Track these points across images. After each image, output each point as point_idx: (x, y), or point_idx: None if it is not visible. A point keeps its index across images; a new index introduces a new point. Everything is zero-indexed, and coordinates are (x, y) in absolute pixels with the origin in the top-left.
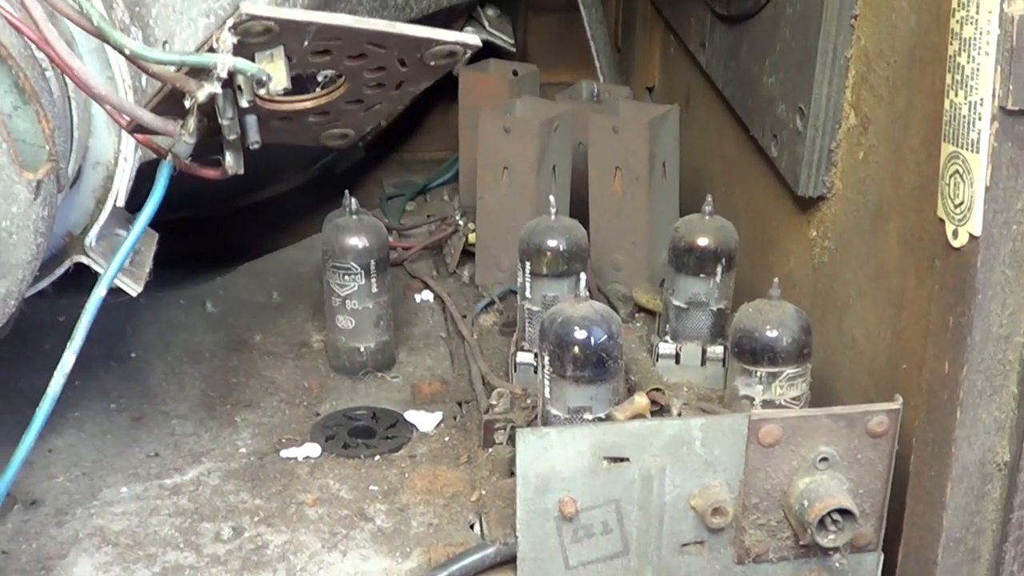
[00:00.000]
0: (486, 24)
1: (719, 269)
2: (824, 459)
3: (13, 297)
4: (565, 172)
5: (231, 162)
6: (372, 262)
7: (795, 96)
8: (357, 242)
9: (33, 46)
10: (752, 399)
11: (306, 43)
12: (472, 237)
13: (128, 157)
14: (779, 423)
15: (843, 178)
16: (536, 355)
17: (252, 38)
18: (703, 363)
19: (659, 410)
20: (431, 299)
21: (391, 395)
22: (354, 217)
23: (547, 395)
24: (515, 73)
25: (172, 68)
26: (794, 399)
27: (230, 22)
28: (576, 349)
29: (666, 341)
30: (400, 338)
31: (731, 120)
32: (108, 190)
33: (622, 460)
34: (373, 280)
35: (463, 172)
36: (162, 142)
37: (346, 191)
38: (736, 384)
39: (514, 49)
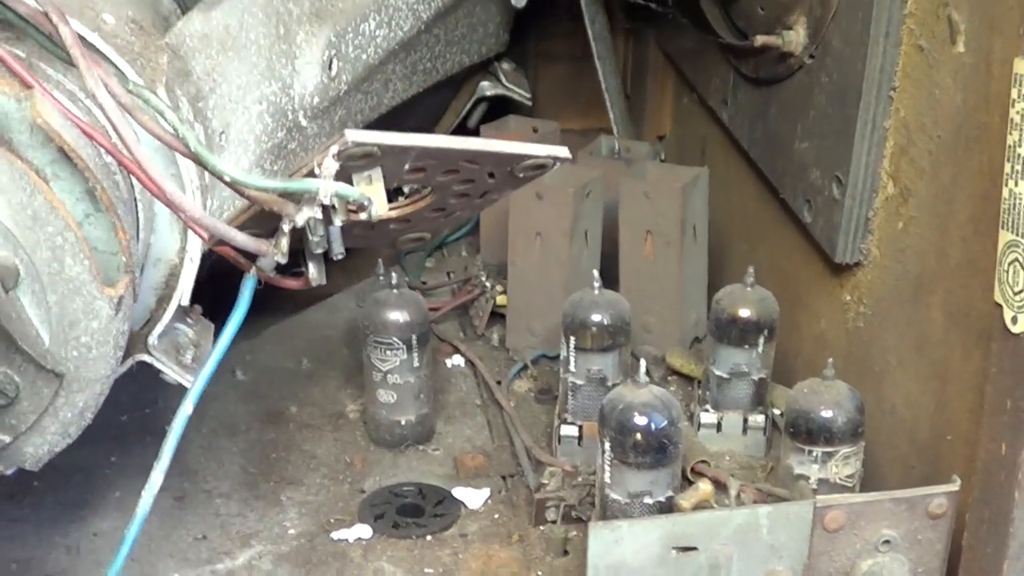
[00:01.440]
0: (502, 79)
1: (761, 340)
2: (886, 541)
3: (90, 410)
4: (596, 237)
5: (314, 273)
6: (414, 337)
7: (832, 164)
8: (399, 317)
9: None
10: (807, 478)
11: (407, 166)
12: (500, 299)
13: (195, 257)
14: (844, 509)
15: (880, 246)
16: (579, 427)
17: (352, 162)
18: (744, 431)
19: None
20: (462, 363)
21: (434, 469)
22: (395, 291)
23: (607, 479)
24: (535, 130)
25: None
26: (848, 476)
27: (334, 149)
28: (638, 436)
29: (707, 410)
30: (435, 406)
31: (752, 176)
32: (171, 288)
33: (691, 549)
34: (415, 355)
35: (485, 230)
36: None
37: (379, 260)
38: (790, 462)
39: (530, 103)
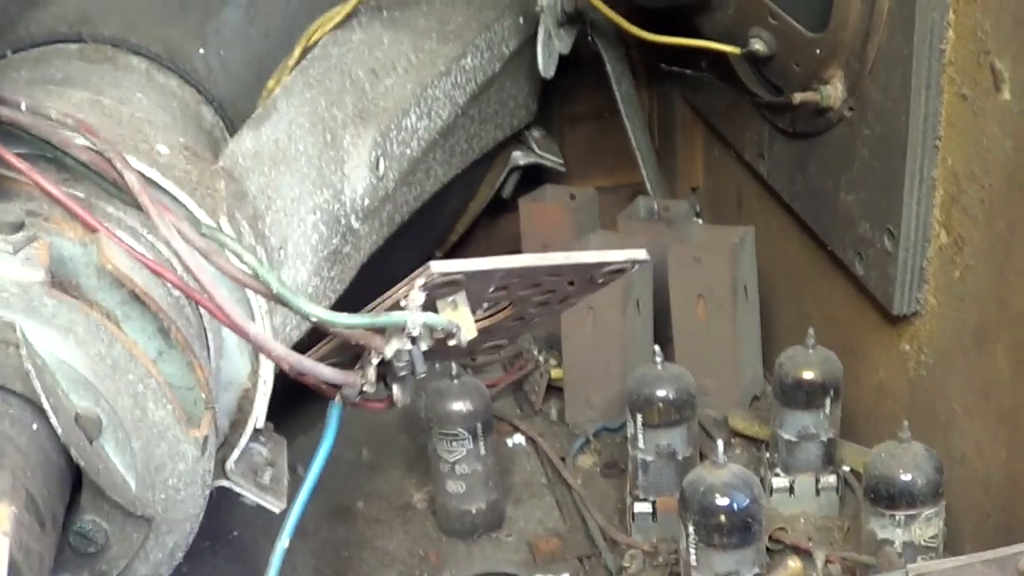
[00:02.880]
0: (534, 147)
1: (827, 401)
2: None
3: (181, 550)
4: (647, 305)
5: (399, 395)
6: (479, 425)
7: (881, 216)
8: (462, 407)
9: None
10: (892, 542)
11: (492, 289)
12: (555, 372)
13: (268, 380)
14: (936, 575)
15: (937, 295)
16: (653, 503)
17: (437, 290)
18: (817, 493)
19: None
20: (523, 442)
21: (508, 555)
22: (455, 381)
23: (693, 562)
24: (572, 197)
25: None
26: (932, 537)
27: (420, 281)
28: (722, 517)
29: (778, 474)
30: (503, 490)
31: (795, 227)
32: (244, 412)
33: None
34: (481, 443)
35: None
36: None
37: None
38: (873, 527)
39: (563, 168)
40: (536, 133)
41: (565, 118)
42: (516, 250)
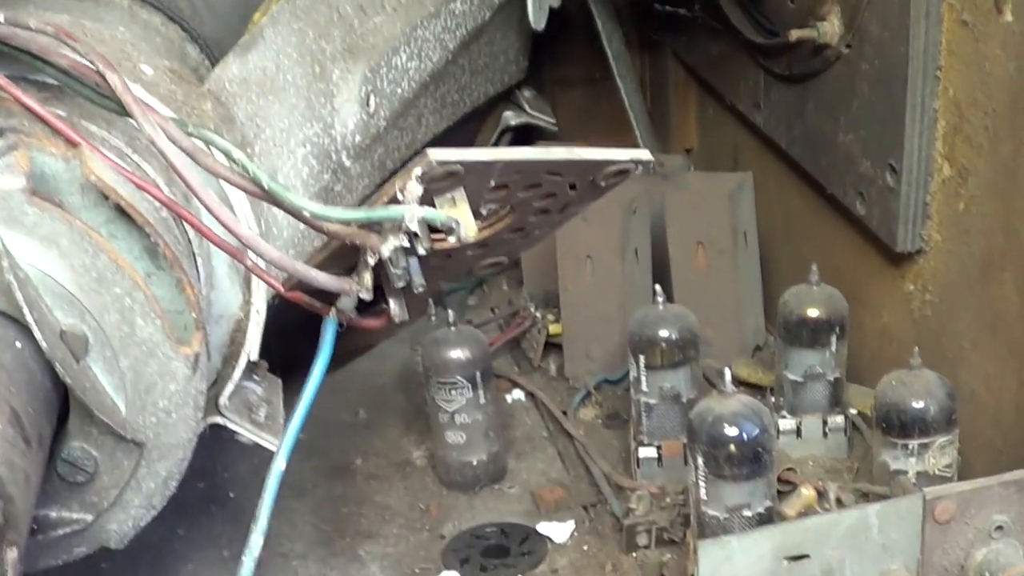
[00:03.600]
0: (526, 107)
1: (833, 339)
2: (999, 527)
3: (174, 478)
4: (646, 253)
5: (396, 310)
6: (477, 373)
7: (883, 152)
8: (461, 355)
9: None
10: (906, 472)
11: (492, 183)
12: (553, 328)
13: (261, 310)
14: (954, 499)
15: (941, 230)
16: (658, 448)
17: (435, 184)
18: (825, 434)
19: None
20: (522, 397)
21: (512, 507)
22: (453, 329)
23: (703, 496)
24: None
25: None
26: (946, 467)
27: (417, 171)
28: (732, 447)
29: (784, 416)
30: (504, 442)
31: (793, 176)
32: (237, 344)
33: (803, 557)
34: (480, 392)
35: (526, 261)
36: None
37: (429, 300)
38: (885, 459)
39: (555, 128)
40: (527, 93)
41: (556, 82)
42: None
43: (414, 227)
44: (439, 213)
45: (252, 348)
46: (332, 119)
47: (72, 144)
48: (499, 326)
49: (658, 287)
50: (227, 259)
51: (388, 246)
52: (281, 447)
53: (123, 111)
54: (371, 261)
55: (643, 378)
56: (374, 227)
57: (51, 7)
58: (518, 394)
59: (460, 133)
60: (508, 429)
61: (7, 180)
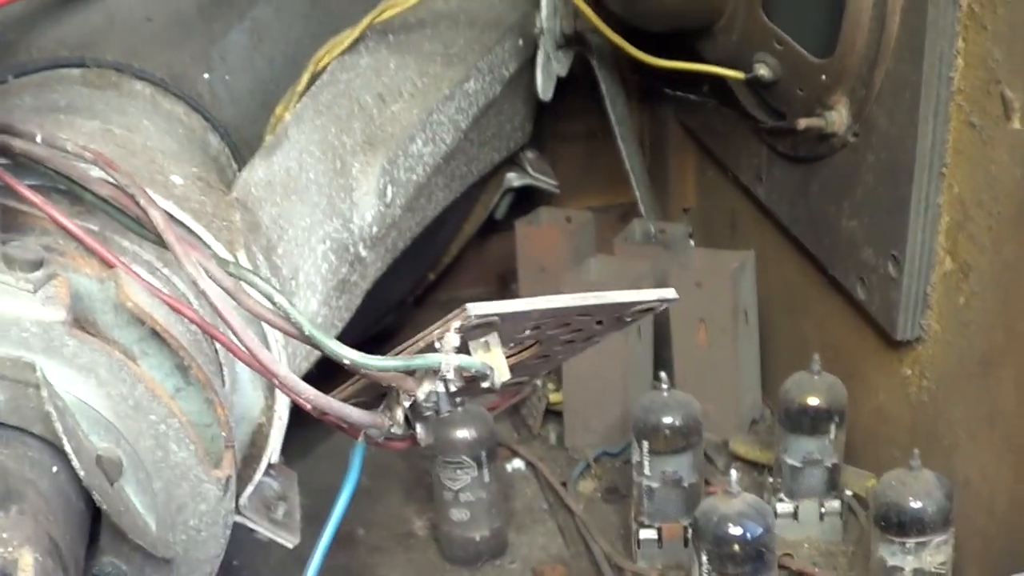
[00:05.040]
0: (528, 168)
1: (832, 427)
2: None
3: None
4: (648, 329)
5: (423, 435)
6: (483, 453)
7: (886, 242)
8: (467, 435)
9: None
10: (902, 569)
11: (527, 331)
12: (554, 396)
13: (283, 416)
14: None
15: (941, 321)
16: (659, 530)
17: (471, 332)
18: (821, 518)
19: None
20: (522, 467)
21: None
22: (460, 409)
23: None
24: (568, 219)
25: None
26: (941, 564)
27: (456, 323)
28: (736, 547)
29: (782, 499)
30: (505, 516)
31: (792, 250)
32: (257, 446)
33: None
34: (485, 470)
35: None
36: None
37: None
38: (882, 555)
39: (557, 190)
40: (530, 154)
41: (556, 137)
42: (508, 271)
43: (450, 376)
44: (474, 361)
45: (274, 451)
46: (351, 213)
47: (107, 264)
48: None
49: (663, 374)
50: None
51: (423, 390)
52: (310, 568)
53: (163, 244)
54: (406, 404)
55: (646, 462)
56: (409, 372)
57: (76, 102)
58: (518, 463)
59: (462, 197)
60: (509, 500)
61: (49, 312)
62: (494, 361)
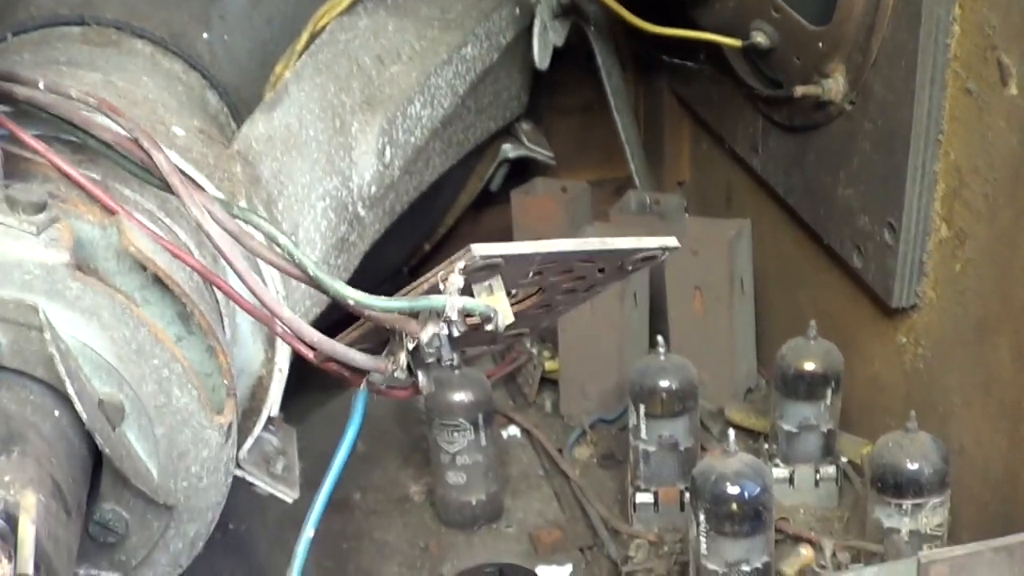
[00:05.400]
0: (524, 139)
1: (828, 392)
2: None
3: (201, 539)
4: (644, 297)
5: (424, 383)
6: (480, 416)
7: (882, 210)
8: (464, 398)
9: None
10: (898, 531)
11: (531, 274)
12: (550, 364)
13: (283, 368)
14: (947, 563)
15: (936, 288)
16: (655, 494)
17: (475, 274)
18: (816, 484)
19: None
20: (518, 434)
21: (510, 547)
22: (456, 372)
23: (703, 551)
24: (564, 190)
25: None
26: (938, 526)
27: (460, 264)
28: (733, 505)
29: (777, 465)
30: (502, 481)
31: (787, 221)
32: (258, 400)
33: None
34: (482, 434)
35: None
36: None
37: None
38: (878, 516)
39: (553, 162)
40: (526, 126)
41: (552, 110)
42: (484, 238)
43: (454, 317)
44: (478, 303)
45: (273, 405)
46: (350, 172)
47: (109, 211)
48: (493, 359)
49: (660, 338)
50: (251, 319)
51: (427, 332)
52: (309, 517)
53: (167, 188)
54: (409, 346)
55: (642, 426)
56: (413, 314)
57: (77, 58)
58: (514, 430)
59: (458, 166)
60: (504, 466)
61: (52, 255)
62: (498, 304)
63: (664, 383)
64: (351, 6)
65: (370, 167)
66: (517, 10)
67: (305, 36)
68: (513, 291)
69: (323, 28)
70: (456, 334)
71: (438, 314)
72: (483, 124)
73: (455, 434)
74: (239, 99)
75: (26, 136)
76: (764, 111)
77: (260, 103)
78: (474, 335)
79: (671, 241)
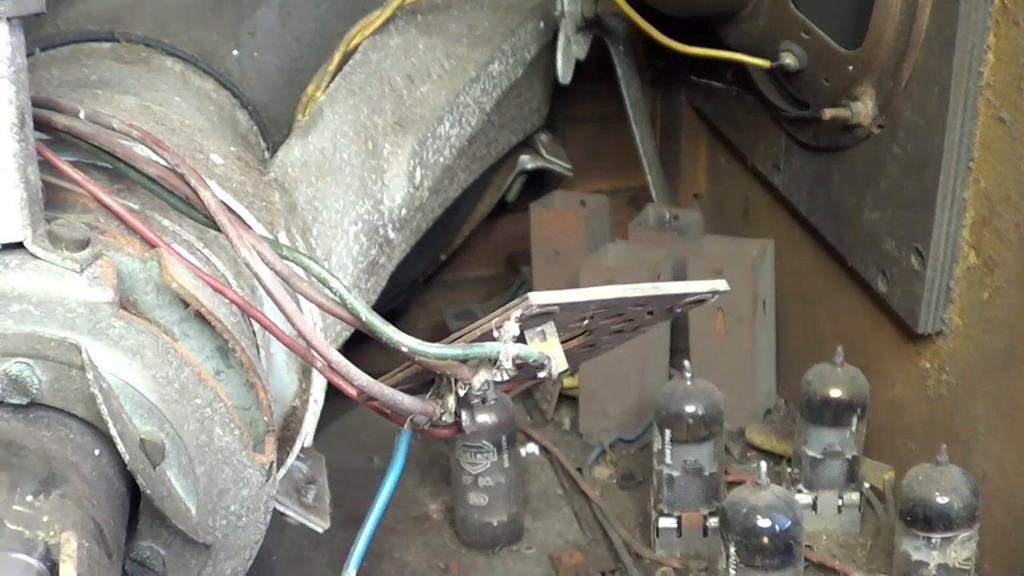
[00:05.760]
0: (542, 151)
1: (854, 419)
2: None
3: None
4: None
5: (468, 422)
6: (504, 438)
7: (909, 235)
8: (488, 420)
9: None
10: (927, 564)
11: (586, 321)
12: (569, 381)
13: (319, 399)
14: None
15: (963, 315)
16: (678, 519)
17: (529, 321)
18: (839, 510)
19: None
20: (537, 451)
21: (531, 569)
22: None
23: None
24: (583, 203)
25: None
26: (966, 560)
27: (517, 313)
28: (765, 539)
29: (800, 490)
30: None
31: (807, 238)
32: (290, 430)
33: None
34: (505, 455)
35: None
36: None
37: None
38: (907, 549)
39: (570, 173)
40: (544, 136)
41: (567, 120)
42: (517, 253)
43: (508, 365)
44: (532, 351)
45: (307, 435)
46: (382, 195)
47: (149, 244)
48: None
49: (687, 362)
50: (285, 348)
51: (479, 379)
52: (351, 560)
53: (212, 225)
54: (461, 392)
55: (667, 451)
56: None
57: (107, 76)
58: (532, 447)
59: (477, 179)
60: (523, 485)
61: (95, 293)
62: (551, 351)
63: (691, 408)
64: (383, 25)
65: (401, 189)
66: (541, 24)
67: (338, 56)
68: (561, 333)
69: (355, 47)
70: (506, 378)
71: (491, 361)
72: (505, 138)
73: (478, 456)
74: (268, 117)
75: (65, 166)
76: (788, 130)
77: (294, 126)
78: (520, 376)
79: (721, 284)
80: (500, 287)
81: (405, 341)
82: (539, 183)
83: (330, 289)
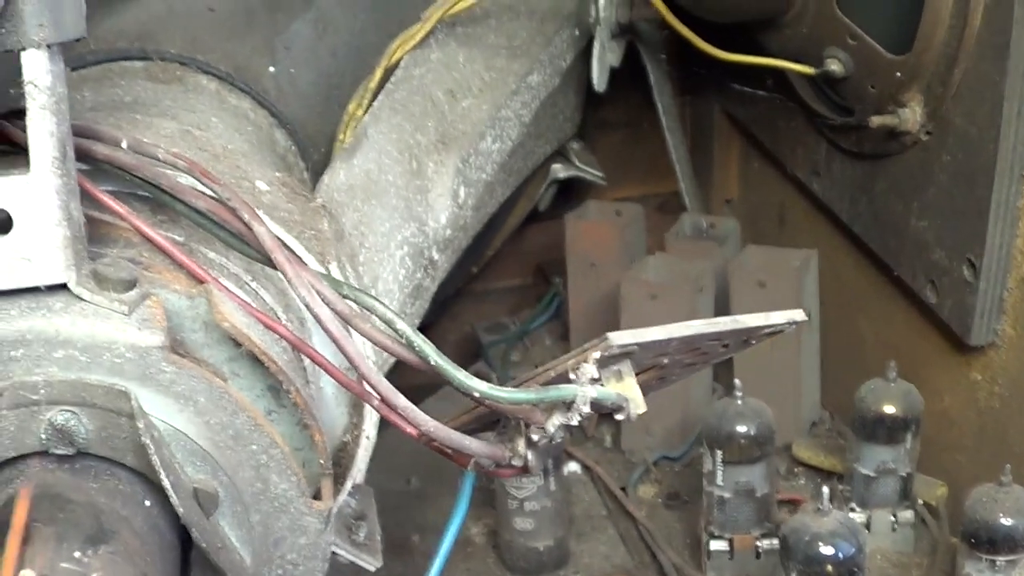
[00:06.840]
0: (574, 159)
1: (908, 436)
2: None
3: None
4: None
5: (534, 463)
6: (550, 461)
7: (960, 245)
8: None
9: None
10: None
11: (665, 360)
12: None
13: (371, 436)
14: None
15: (1016, 326)
16: (730, 541)
17: (606, 362)
18: (893, 529)
19: None
20: (578, 470)
21: None
22: None
23: None
24: (618, 213)
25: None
26: None
27: (596, 354)
28: (829, 567)
29: (854, 509)
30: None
31: (847, 246)
32: (341, 467)
33: None
34: (551, 479)
35: (574, 318)
36: None
37: (493, 377)
38: (970, 572)
39: (603, 182)
40: (576, 145)
41: (597, 126)
42: (546, 263)
43: (585, 409)
44: (610, 393)
45: (359, 473)
46: (427, 216)
47: (197, 279)
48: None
49: (737, 381)
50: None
51: (553, 423)
52: None
53: (267, 262)
54: (535, 438)
55: (718, 472)
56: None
57: (142, 97)
58: (573, 466)
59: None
60: (568, 506)
61: (145, 336)
62: (628, 391)
63: (742, 429)
64: (424, 39)
65: (446, 209)
66: (576, 32)
67: (379, 72)
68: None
69: (397, 63)
70: (577, 421)
71: (566, 404)
72: (540, 149)
73: (524, 480)
74: (306, 136)
75: (107, 199)
76: (829, 136)
77: (336, 146)
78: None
79: (798, 315)
80: (530, 297)
81: (478, 387)
82: (566, 190)
83: (395, 331)
